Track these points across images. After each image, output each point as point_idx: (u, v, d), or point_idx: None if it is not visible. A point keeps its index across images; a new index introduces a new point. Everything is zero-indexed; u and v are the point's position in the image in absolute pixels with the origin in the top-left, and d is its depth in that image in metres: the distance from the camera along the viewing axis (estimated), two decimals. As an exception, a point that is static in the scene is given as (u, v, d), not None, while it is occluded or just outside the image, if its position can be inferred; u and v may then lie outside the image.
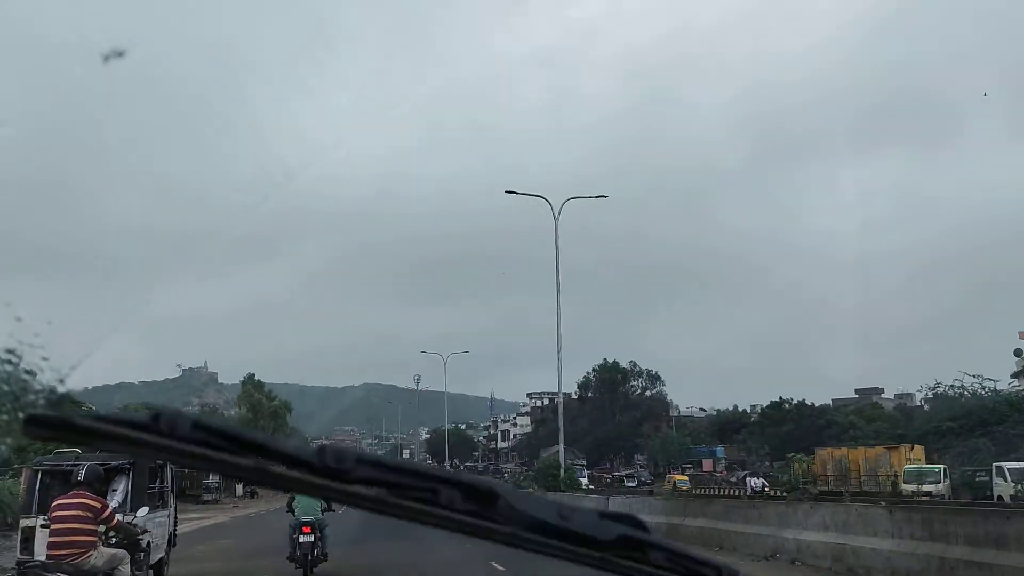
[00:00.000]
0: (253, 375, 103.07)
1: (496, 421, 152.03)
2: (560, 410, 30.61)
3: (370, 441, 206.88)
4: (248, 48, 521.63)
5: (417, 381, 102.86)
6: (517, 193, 28.32)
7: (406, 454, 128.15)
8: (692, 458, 75.18)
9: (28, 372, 1.83)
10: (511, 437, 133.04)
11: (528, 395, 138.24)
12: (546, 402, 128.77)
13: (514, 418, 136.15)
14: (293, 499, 11.94)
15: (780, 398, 72.58)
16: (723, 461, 74.89)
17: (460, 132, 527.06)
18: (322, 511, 12.01)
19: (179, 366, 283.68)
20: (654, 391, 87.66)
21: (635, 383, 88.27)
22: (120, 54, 2.77)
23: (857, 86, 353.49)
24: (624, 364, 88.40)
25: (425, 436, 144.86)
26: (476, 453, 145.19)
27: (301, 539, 11.64)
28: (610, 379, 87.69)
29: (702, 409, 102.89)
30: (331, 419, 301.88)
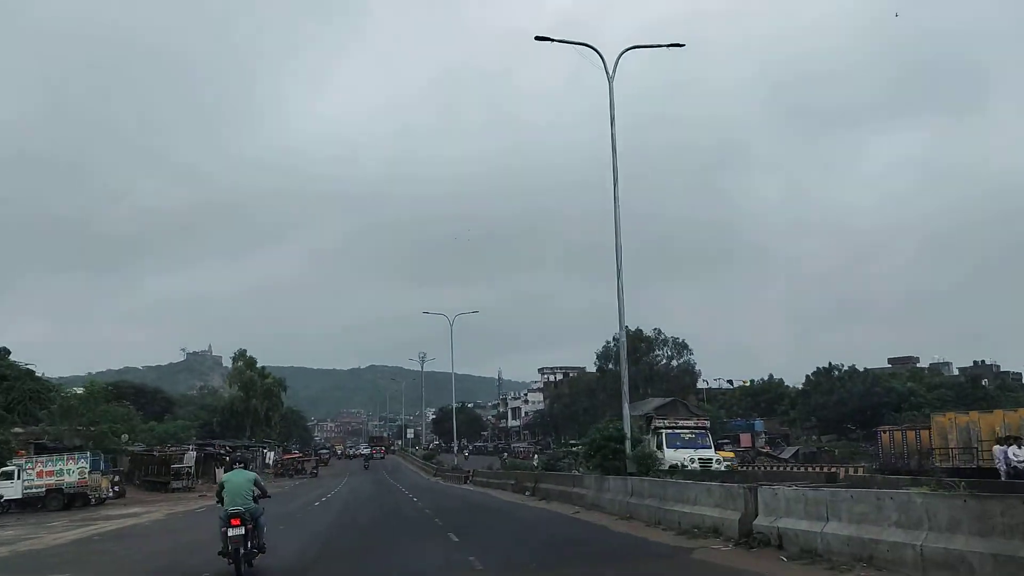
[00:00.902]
0: (245, 351, 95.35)
1: (505, 399, 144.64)
2: (622, 354, 22.77)
3: (376, 423, 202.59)
4: (258, 31, 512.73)
5: (422, 359, 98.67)
6: (555, 40, 20.04)
7: (410, 434, 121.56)
8: (727, 432, 67.35)
9: None
10: (522, 415, 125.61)
11: (540, 370, 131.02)
12: (559, 377, 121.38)
13: (525, 395, 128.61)
14: (222, 487, 11.03)
15: (829, 364, 64.51)
16: (763, 435, 67.10)
17: (475, 112, 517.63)
18: (255, 499, 11.06)
19: (183, 350, 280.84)
20: (681, 361, 79.67)
21: (660, 352, 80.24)
22: None
23: (884, 55, 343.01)
24: (648, 332, 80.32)
25: (431, 416, 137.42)
26: (485, 432, 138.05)
27: (230, 532, 10.47)
28: (633, 348, 79.40)
29: (729, 381, 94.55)
30: (337, 401, 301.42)
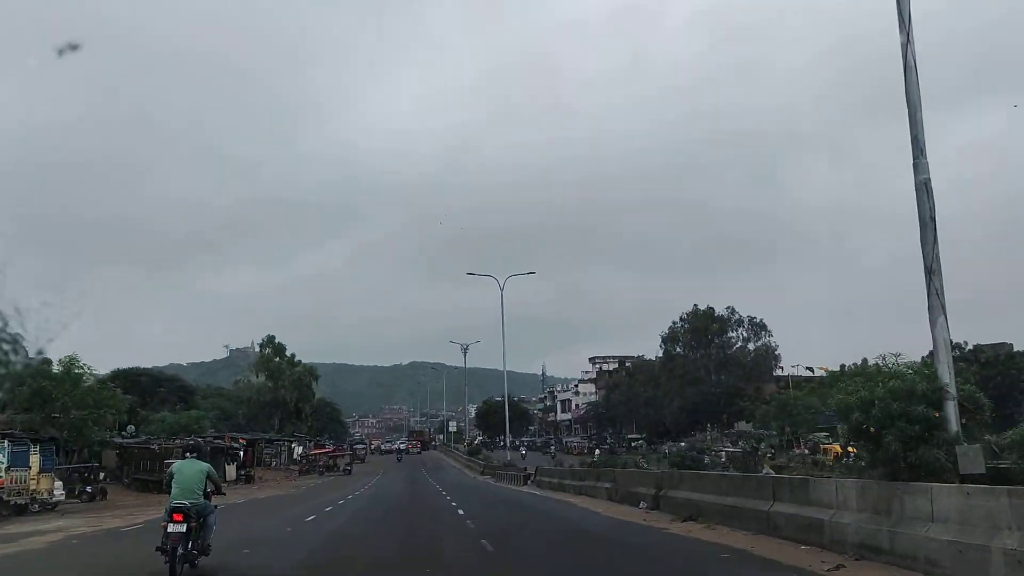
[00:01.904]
0: (273, 337, 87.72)
1: (553, 391, 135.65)
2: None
3: (417, 418, 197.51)
4: (311, 26, 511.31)
5: (464, 350, 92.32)
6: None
7: (452, 426, 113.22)
8: (822, 426, 57.15)
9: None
10: (572, 407, 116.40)
11: (591, 360, 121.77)
12: (612, 367, 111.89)
13: (575, 386, 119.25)
14: (171, 477, 9.71)
15: (964, 342, 53.87)
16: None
17: (529, 102, 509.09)
18: (206, 494, 9.78)
19: (227, 347, 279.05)
20: (759, 344, 69.63)
21: (734, 334, 70.31)
22: (74, 48, 3.32)
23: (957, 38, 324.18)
24: (720, 311, 70.56)
25: (473, 412, 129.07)
26: (532, 427, 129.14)
27: (170, 528, 9.26)
28: (703, 329, 69.93)
29: (809, 369, 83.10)
30: (378, 397, 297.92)
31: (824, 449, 43.41)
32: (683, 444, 66.24)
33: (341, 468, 60.63)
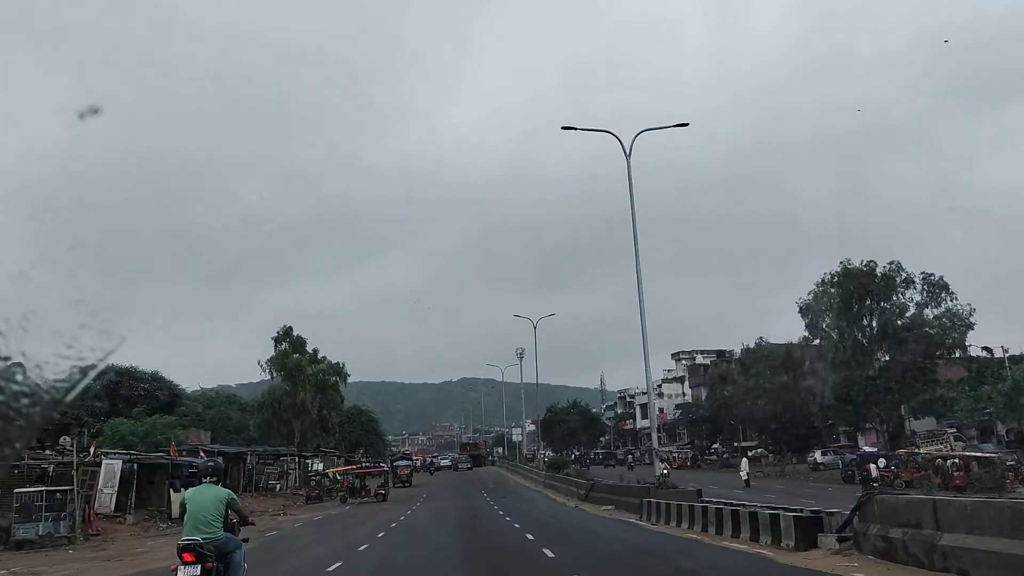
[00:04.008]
0: (290, 328, 70.84)
1: (624, 396, 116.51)
2: None
3: (469, 435, 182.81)
4: (377, 36, 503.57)
5: (520, 354, 80.00)
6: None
7: (517, 435, 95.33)
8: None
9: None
10: (655, 412, 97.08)
11: (673, 355, 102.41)
12: (700, 360, 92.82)
13: (659, 386, 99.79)
14: (183, 508, 7.77)
15: None
16: None
17: (601, 108, 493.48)
18: (232, 525, 7.93)
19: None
20: (941, 311, 49.93)
21: (902, 297, 50.72)
22: (95, 111, 3.30)
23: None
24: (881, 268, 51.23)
25: (531, 427, 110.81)
26: (604, 438, 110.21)
27: (181, 573, 7.20)
28: (861, 292, 50.55)
29: (986, 349, 61.61)
30: (428, 415, 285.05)
31: None
32: (854, 454, 46.91)
33: (372, 491, 43.21)
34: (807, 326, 53.48)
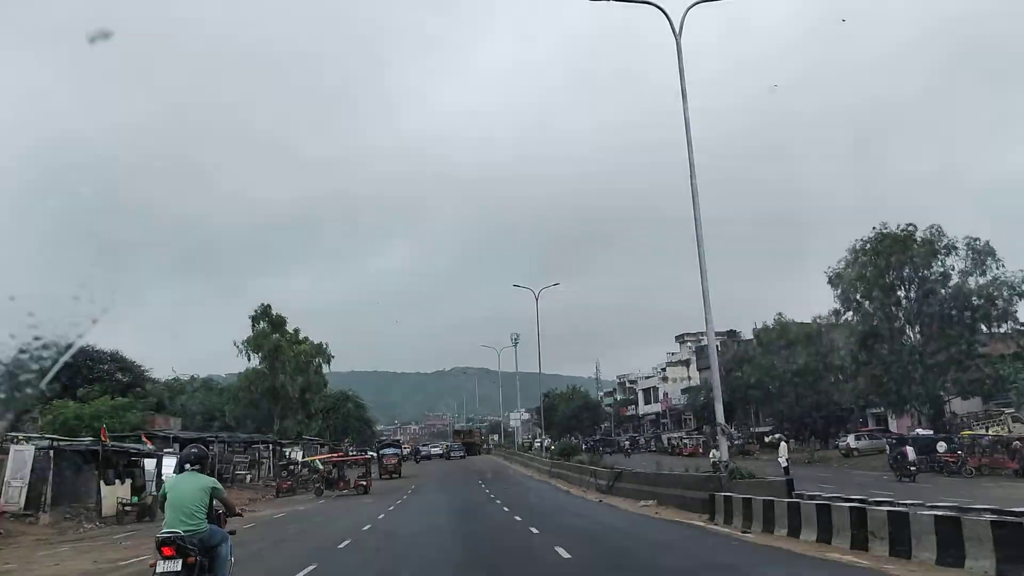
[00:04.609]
0: (269, 307, 65.47)
1: (626, 382, 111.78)
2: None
3: (463, 423, 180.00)
4: (382, 15, 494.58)
5: (515, 340, 79.49)
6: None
7: (516, 420, 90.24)
8: None
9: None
10: (660, 397, 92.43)
11: (678, 338, 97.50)
12: (720, 340, 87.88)
13: (662, 370, 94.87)
14: (164, 498, 7.07)
15: None
16: None
17: (605, 77, 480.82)
18: (218, 516, 7.37)
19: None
20: (987, 280, 45.01)
21: (942, 264, 45.83)
22: (106, 36, 3.35)
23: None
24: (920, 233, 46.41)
25: (525, 416, 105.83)
26: (604, 425, 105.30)
27: (160, 567, 6.62)
28: (897, 260, 45.63)
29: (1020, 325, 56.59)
30: (421, 404, 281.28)
31: None
32: (906, 436, 42.08)
33: (353, 483, 37.97)
34: (838, 297, 48.33)
